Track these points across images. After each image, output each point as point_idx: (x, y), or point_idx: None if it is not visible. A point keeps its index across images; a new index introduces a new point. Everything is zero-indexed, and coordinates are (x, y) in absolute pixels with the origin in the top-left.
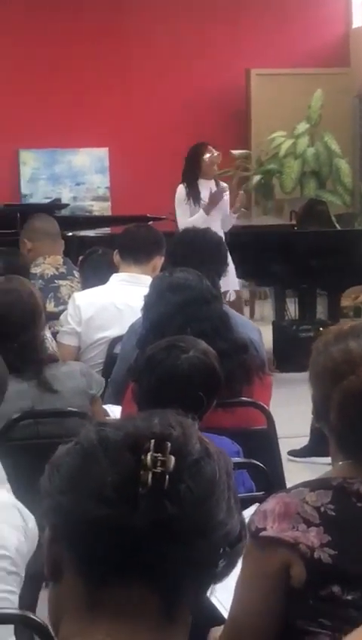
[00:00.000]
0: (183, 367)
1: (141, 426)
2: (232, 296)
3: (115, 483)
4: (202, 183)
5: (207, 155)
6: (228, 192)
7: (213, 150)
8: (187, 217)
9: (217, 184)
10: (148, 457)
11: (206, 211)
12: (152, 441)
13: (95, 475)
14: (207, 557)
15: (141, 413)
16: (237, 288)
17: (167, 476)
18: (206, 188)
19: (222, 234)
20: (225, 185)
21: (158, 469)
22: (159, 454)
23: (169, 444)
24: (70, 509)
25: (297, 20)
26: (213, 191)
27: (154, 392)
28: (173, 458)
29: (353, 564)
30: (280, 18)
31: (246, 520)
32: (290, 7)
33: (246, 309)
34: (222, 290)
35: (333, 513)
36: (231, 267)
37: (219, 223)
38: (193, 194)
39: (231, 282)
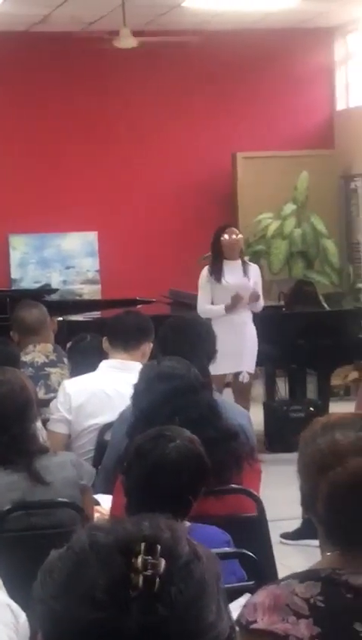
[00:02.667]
0: (172, 455)
1: (131, 529)
2: (245, 379)
3: (106, 586)
4: (228, 263)
5: (225, 237)
6: (259, 273)
7: (235, 232)
8: (206, 303)
9: (244, 264)
10: (139, 560)
11: (226, 310)
12: (143, 544)
13: (87, 580)
14: None
15: (131, 518)
16: (252, 371)
17: (158, 579)
18: (232, 268)
19: (250, 315)
20: (254, 266)
21: (149, 572)
22: (149, 557)
23: (159, 547)
24: (62, 614)
25: (282, 103)
26: (246, 287)
27: (144, 481)
28: (163, 561)
29: None
30: (265, 102)
31: (238, 612)
32: (275, 90)
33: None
34: (236, 370)
35: (323, 605)
36: (254, 347)
37: (247, 308)
38: (215, 273)
39: (247, 363)
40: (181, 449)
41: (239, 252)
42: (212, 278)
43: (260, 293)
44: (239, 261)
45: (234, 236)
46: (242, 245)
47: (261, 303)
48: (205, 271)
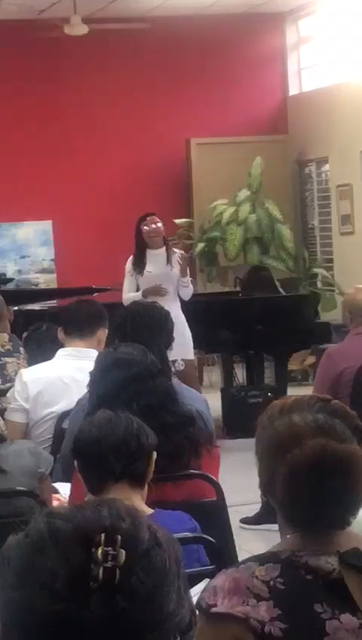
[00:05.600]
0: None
1: (91, 517)
2: (180, 366)
3: (66, 578)
4: (152, 252)
5: (144, 227)
6: (179, 258)
7: (156, 222)
8: (128, 292)
9: (168, 253)
10: (99, 552)
11: (143, 295)
12: (103, 534)
13: (46, 570)
14: None
15: (89, 502)
16: (190, 357)
17: (118, 570)
18: (156, 257)
19: (177, 305)
20: (181, 253)
21: (109, 564)
22: (110, 548)
23: (119, 538)
24: (21, 604)
25: (235, 89)
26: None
27: (97, 458)
28: (123, 552)
29: (303, 637)
30: (218, 88)
31: (197, 596)
32: (228, 76)
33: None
34: (172, 358)
35: (283, 587)
36: (184, 335)
37: (171, 296)
38: (137, 265)
39: (182, 351)
40: (124, 419)
41: (162, 240)
42: (135, 271)
43: (188, 280)
44: (163, 249)
45: (153, 225)
46: (164, 233)
47: (190, 290)
48: (129, 262)
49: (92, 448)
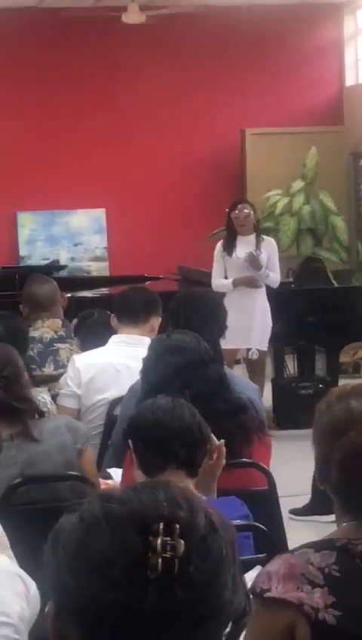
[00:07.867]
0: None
1: (146, 502)
2: (254, 355)
3: (124, 565)
4: (241, 239)
5: (234, 213)
6: (274, 247)
7: (245, 208)
8: (219, 277)
9: (258, 239)
10: (158, 542)
11: (234, 285)
12: (161, 524)
13: (101, 556)
14: (213, 636)
15: (144, 484)
16: (265, 349)
17: (177, 561)
18: (245, 243)
19: (264, 293)
20: (270, 239)
21: (168, 554)
22: (168, 538)
23: (177, 527)
24: (77, 590)
25: (291, 79)
26: (254, 251)
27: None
28: (182, 542)
29: (358, 625)
30: (274, 78)
31: (250, 582)
32: (284, 66)
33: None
34: (245, 346)
35: (338, 574)
36: (265, 325)
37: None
38: (227, 247)
39: (260, 340)
40: (188, 408)
41: (251, 227)
42: (224, 253)
43: (276, 267)
44: (253, 236)
45: (244, 211)
46: (254, 220)
47: (276, 278)
48: (219, 245)
49: (156, 431)
